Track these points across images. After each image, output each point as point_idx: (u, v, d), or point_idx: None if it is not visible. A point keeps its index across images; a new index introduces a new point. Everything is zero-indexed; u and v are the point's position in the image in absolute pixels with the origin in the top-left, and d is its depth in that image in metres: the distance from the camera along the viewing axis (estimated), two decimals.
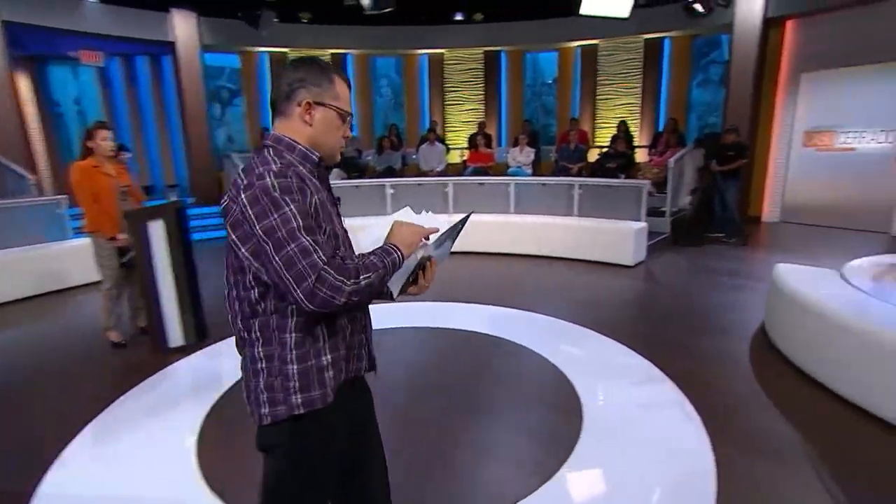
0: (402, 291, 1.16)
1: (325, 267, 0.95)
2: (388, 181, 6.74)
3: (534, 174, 7.65)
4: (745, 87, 7.62)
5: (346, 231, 1.17)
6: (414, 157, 8.69)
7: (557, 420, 2.51)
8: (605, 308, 4.20)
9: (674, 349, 3.34)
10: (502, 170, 7.91)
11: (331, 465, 1.14)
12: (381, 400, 2.72)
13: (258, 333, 1.07)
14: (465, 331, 3.68)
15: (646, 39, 9.01)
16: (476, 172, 7.73)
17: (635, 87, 9.27)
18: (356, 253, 1.11)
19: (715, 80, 8.86)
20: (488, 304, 4.23)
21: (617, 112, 9.43)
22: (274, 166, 1.01)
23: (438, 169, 7.99)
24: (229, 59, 9.57)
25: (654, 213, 6.33)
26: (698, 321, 3.87)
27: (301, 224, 0.97)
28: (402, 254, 1.10)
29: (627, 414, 2.56)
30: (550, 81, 10.41)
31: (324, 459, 1.12)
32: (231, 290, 1.10)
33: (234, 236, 1.02)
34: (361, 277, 0.99)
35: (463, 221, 1.19)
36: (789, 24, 7.52)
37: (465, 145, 9.19)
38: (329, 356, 1.10)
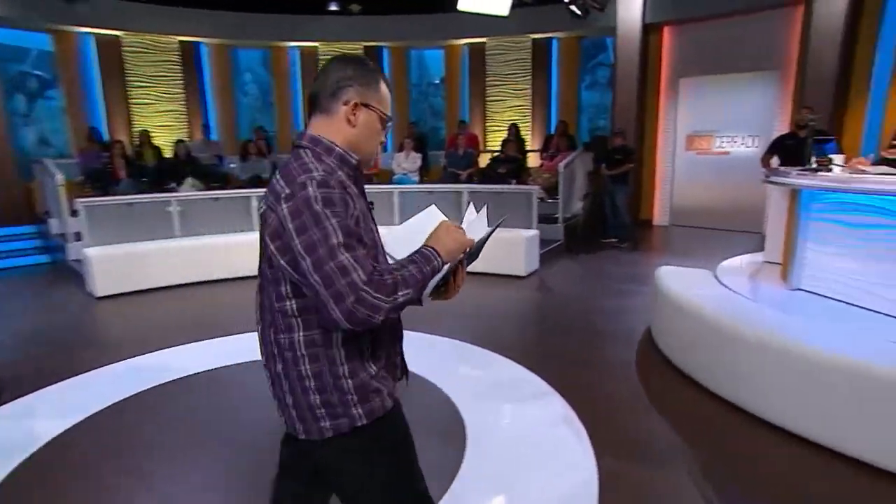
0: (433, 297, 1.25)
1: (365, 287, 1.00)
2: (254, 192, 6.47)
3: (421, 181, 7.82)
4: (631, 90, 8.53)
5: (380, 237, 1.24)
6: None
7: (439, 448, 2.54)
8: (494, 322, 4.38)
9: (564, 361, 3.58)
10: (387, 177, 7.99)
11: (412, 451, 1.26)
12: (245, 441, 2.65)
13: (303, 350, 1.12)
14: None
15: (534, 39, 9.72)
16: None
17: (525, 89, 9.94)
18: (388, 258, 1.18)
19: (603, 83, 9.82)
20: None
21: (508, 114, 10.02)
22: (316, 174, 1.05)
23: None
24: (36, 39, 8.54)
25: (547, 219, 6.77)
26: (589, 329, 4.19)
27: (341, 241, 1.02)
28: (441, 261, 1.15)
29: (512, 434, 2.67)
30: (438, 81, 10.80)
31: (406, 448, 1.25)
32: (264, 301, 1.16)
33: (272, 247, 1.08)
34: (400, 294, 1.04)
35: (498, 224, 1.30)
36: (667, 30, 8.59)
37: None
38: (375, 365, 1.19)
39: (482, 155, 8.86)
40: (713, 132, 8.30)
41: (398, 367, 1.30)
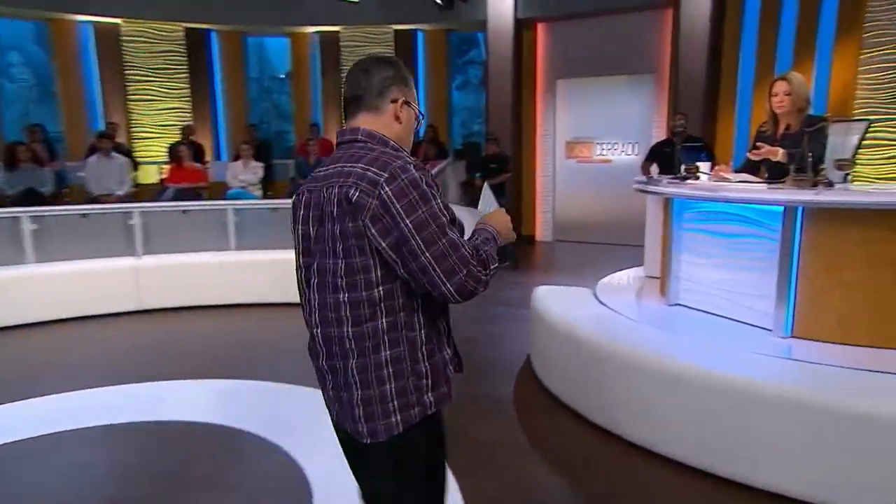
0: None
1: (472, 261, 1.29)
2: (26, 211, 5.84)
3: (264, 197, 7.64)
4: (504, 91, 9.10)
5: None
6: (79, 174, 7.76)
7: None
8: None
9: None
10: (220, 191, 7.68)
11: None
12: None
13: (385, 336, 1.34)
14: (165, 422, 3.51)
15: (396, 30, 10.01)
16: (179, 196, 7.29)
17: None
18: None
19: (475, 83, 10.38)
20: (201, 377, 4.14)
21: None
22: (409, 159, 1.33)
23: (120, 192, 7.29)
24: None
25: None
26: (463, 364, 4.32)
27: (448, 218, 1.30)
28: (497, 242, 1.46)
29: None
30: (283, 76, 10.67)
31: (441, 449, 1.54)
32: (337, 294, 1.35)
33: (373, 230, 1.28)
34: (491, 268, 1.34)
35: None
36: (540, 27, 9.33)
37: (165, 158, 8.65)
38: (449, 349, 1.48)
39: None
40: (593, 139, 9.13)
41: (458, 357, 1.57)
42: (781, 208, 3.08)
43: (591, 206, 9.20)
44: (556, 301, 3.96)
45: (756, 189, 3.19)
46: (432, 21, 9.68)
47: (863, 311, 2.97)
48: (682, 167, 3.95)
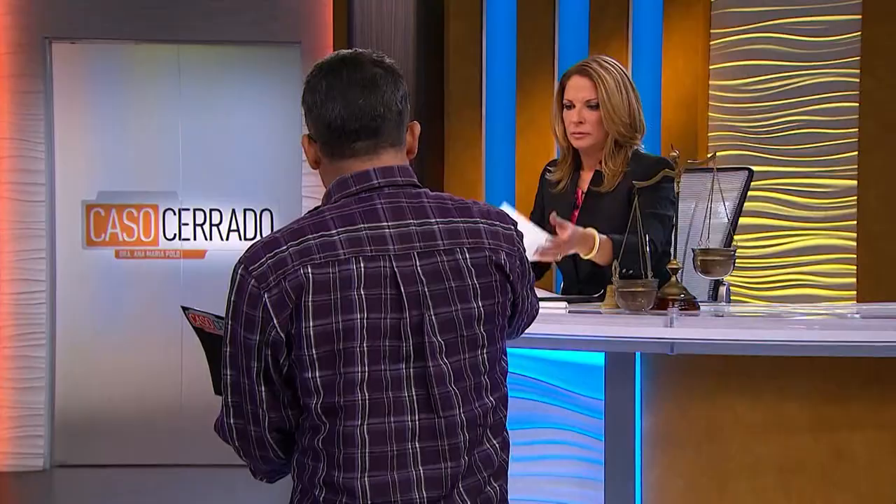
0: None
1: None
2: None
3: None
4: None
5: None
6: None
7: None
8: None
9: None
10: None
11: None
12: None
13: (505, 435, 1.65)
14: None
15: None
16: None
17: None
18: None
19: None
20: None
21: None
22: None
23: None
24: None
25: None
26: None
27: None
28: None
29: None
30: None
31: None
32: (483, 400, 1.54)
33: (521, 292, 1.61)
34: None
35: None
36: None
37: None
38: None
39: None
40: (162, 194, 7.09)
41: None
42: (602, 359, 2.42)
43: (160, 367, 6.93)
44: None
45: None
46: None
47: None
48: None
